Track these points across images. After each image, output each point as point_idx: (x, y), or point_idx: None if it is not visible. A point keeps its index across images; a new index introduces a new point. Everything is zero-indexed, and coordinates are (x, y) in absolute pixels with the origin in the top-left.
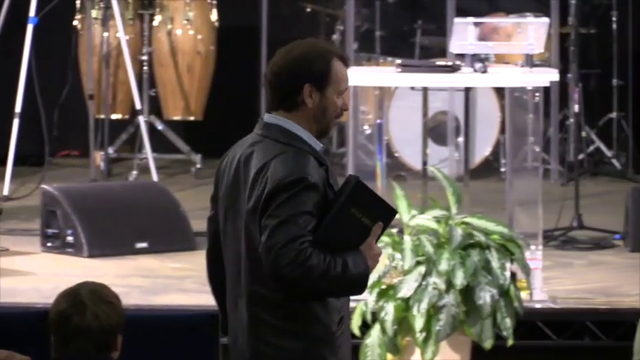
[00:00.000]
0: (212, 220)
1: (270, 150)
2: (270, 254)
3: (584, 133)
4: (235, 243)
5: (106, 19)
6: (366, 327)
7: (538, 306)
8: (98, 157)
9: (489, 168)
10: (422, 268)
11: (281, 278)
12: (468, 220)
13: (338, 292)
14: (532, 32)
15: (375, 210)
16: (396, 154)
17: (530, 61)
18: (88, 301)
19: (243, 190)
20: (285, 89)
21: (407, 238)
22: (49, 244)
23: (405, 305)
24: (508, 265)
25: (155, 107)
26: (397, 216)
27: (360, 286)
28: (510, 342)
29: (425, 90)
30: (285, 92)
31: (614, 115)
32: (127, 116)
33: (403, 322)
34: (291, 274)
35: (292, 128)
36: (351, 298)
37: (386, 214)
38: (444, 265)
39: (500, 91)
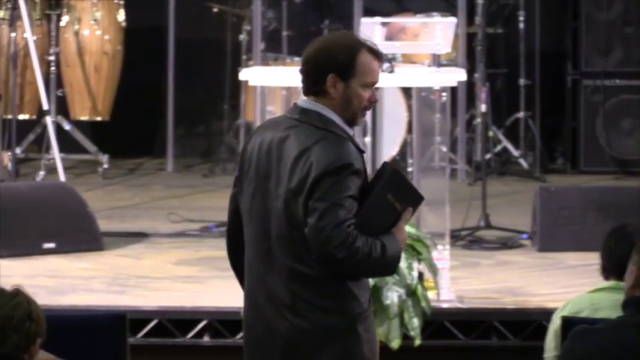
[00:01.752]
0: (233, 198)
1: (309, 135)
2: (321, 235)
3: (491, 133)
4: (263, 221)
5: (14, 20)
6: None
7: (445, 306)
8: (6, 158)
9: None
10: None
11: (329, 258)
12: None
13: (375, 273)
14: (439, 32)
15: (407, 196)
16: None
17: (437, 61)
18: (21, 292)
19: (276, 171)
20: (312, 77)
21: None
22: None
23: None
24: (415, 264)
25: (62, 107)
26: None
27: (393, 268)
28: (418, 342)
29: None
30: (312, 80)
31: (521, 114)
32: (34, 116)
33: None
34: (339, 254)
35: (328, 114)
36: None
37: (415, 199)
38: None
39: (407, 91)
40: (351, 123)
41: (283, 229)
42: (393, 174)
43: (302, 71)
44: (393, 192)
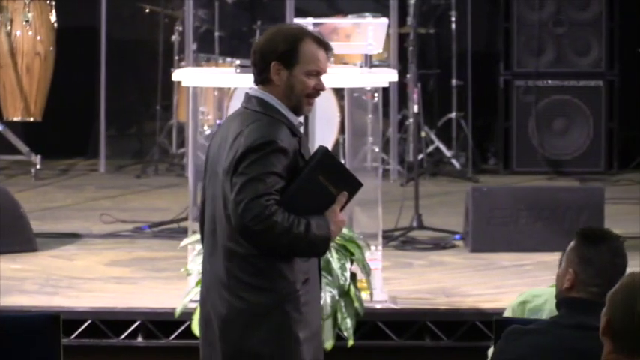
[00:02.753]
0: (202, 190)
1: (247, 118)
2: (238, 208)
3: (423, 134)
4: (212, 203)
5: None
6: None
7: (378, 306)
8: None
9: None
10: None
11: (245, 231)
12: None
13: (299, 251)
14: (371, 33)
15: (342, 180)
16: None
17: (369, 62)
18: None
19: (220, 157)
20: (258, 66)
21: None
22: None
23: None
24: (348, 265)
25: None
26: None
27: (320, 248)
28: (351, 342)
29: None
30: (258, 69)
31: (453, 115)
32: None
33: None
34: (254, 227)
35: (270, 100)
36: (193, 298)
37: (352, 185)
38: None
39: (339, 92)
40: (296, 110)
41: (220, 210)
42: (325, 156)
43: (251, 61)
44: (325, 174)
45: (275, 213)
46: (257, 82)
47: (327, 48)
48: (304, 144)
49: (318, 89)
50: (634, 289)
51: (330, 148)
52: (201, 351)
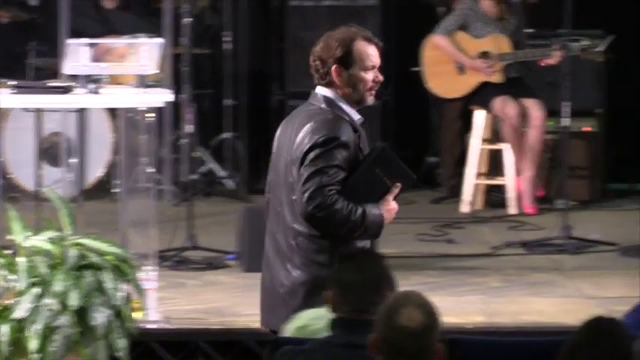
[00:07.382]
0: (270, 171)
1: (313, 114)
2: (304, 197)
3: (198, 153)
4: (277, 189)
5: None
6: None
7: (152, 326)
8: None
9: (103, 189)
10: (36, 290)
11: (311, 217)
12: (82, 241)
13: (356, 234)
14: (145, 53)
15: (396, 173)
16: (11, 176)
17: (143, 82)
18: None
19: (287, 147)
20: (320, 71)
21: (21, 260)
22: None
23: (20, 326)
24: (122, 285)
25: None
26: (12, 237)
27: (373, 232)
28: None
29: (38, 111)
30: (321, 74)
31: (227, 135)
32: None
33: (18, 343)
34: (318, 214)
35: (335, 98)
36: None
37: (405, 177)
38: (58, 286)
39: (113, 112)
40: (359, 103)
41: (286, 194)
42: (382, 151)
43: (311, 67)
44: (381, 168)
45: (336, 202)
46: (321, 84)
47: (375, 43)
48: (363, 139)
49: (377, 82)
50: (395, 304)
51: (103, 169)
52: (261, 315)
